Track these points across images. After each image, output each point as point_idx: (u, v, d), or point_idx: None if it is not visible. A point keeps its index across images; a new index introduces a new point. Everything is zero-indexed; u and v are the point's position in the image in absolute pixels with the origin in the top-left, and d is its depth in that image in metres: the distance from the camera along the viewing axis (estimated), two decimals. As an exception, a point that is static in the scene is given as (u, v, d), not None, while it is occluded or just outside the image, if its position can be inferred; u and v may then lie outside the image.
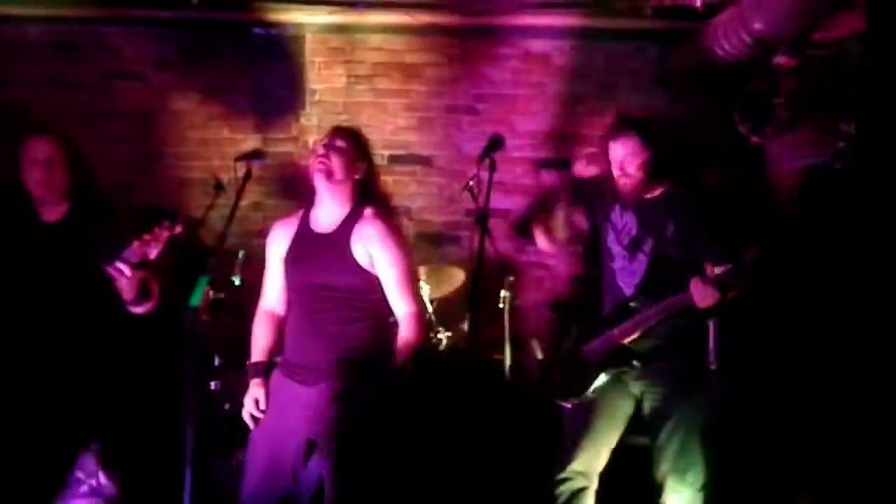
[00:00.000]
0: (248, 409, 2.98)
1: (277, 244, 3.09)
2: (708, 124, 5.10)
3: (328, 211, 3.02)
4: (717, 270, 2.98)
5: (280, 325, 3.11)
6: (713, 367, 4.25)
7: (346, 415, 2.79)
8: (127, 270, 2.88)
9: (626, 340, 3.19)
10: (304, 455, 2.92)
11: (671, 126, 5.06)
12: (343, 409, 2.80)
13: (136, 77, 4.97)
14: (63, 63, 4.92)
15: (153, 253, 2.87)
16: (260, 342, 3.10)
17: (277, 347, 3.10)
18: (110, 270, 2.89)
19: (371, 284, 2.96)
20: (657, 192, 3.29)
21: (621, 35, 5.02)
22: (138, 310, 3.08)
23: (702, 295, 3.01)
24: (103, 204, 3.21)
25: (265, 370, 3.04)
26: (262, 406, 2.96)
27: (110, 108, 4.93)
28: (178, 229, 2.88)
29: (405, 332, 2.96)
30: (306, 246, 3.01)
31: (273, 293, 3.12)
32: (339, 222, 2.99)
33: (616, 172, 3.24)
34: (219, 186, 3.40)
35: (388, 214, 3.07)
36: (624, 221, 3.32)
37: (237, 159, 3.16)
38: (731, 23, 4.11)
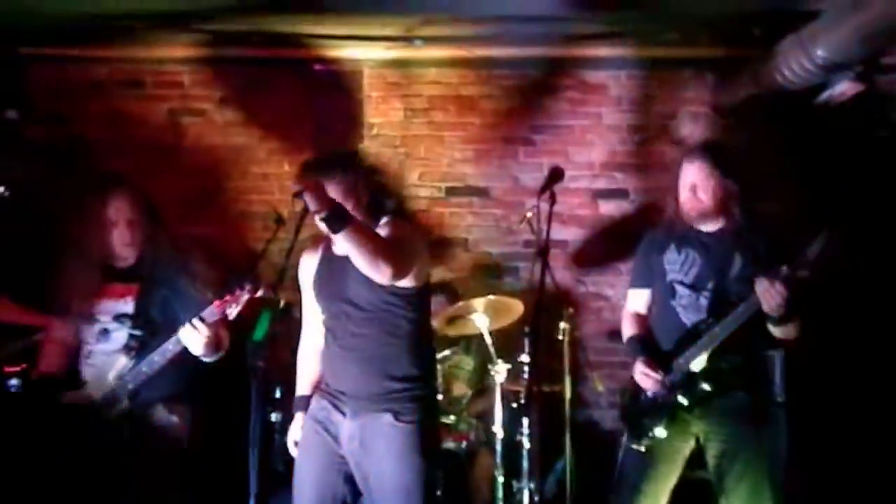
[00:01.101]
0: (293, 440, 3.09)
1: (306, 273, 3.13)
2: (767, 153, 5.04)
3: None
4: (783, 268, 2.90)
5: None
6: (780, 399, 4.19)
7: (393, 448, 2.84)
8: (204, 330, 2.95)
9: (694, 365, 3.10)
10: (350, 483, 2.94)
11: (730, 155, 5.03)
12: (389, 442, 2.84)
13: (199, 113, 5.09)
14: (130, 100, 5.07)
15: (233, 313, 2.93)
16: (306, 375, 3.16)
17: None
18: (186, 329, 2.96)
19: (401, 300, 2.94)
20: (721, 225, 3.21)
21: (678, 63, 4.99)
22: (208, 359, 3.13)
23: (768, 295, 2.90)
24: (172, 255, 3.29)
25: (308, 404, 3.09)
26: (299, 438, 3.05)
27: (174, 143, 5.05)
28: (260, 292, 2.93)
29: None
30: (330, 269, 3.04)
31: (313, 324, 3.15)
32: None
33: (685, 196, 3.19)
34: (279, 220, 3.44)
35: (402, 219, 3.10)
36: (684, 256, 3.25)
37: (296, 195, 3.20)
38: (793, 49, 4.06)
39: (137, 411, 3.13)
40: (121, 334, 3.16)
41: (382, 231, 2.94)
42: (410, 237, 2.98)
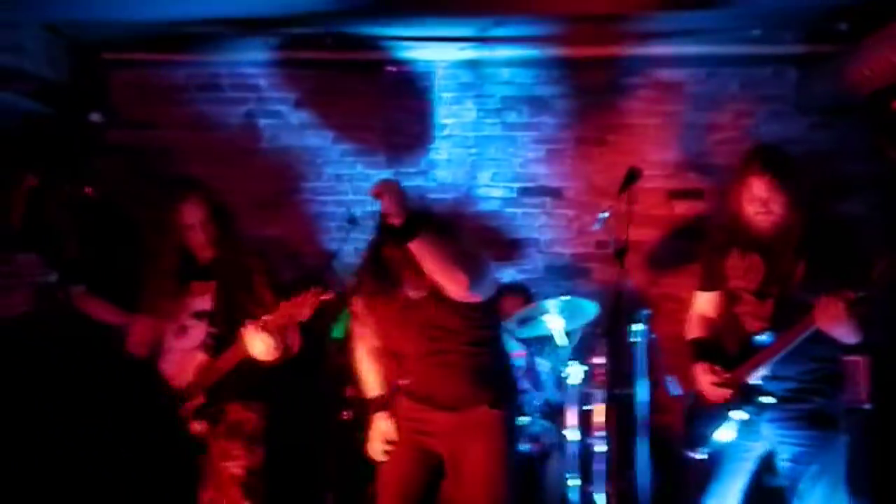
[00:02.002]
0: (376, 444, 3.04)
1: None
2: (851, 151, 4.89)
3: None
4: (843, 288, 2.78)
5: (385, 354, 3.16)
6: (867, 406, 4.05)
7: (487, 436, 2.89)
8: (266, 336, 3.01)
9: (752, 378, 3.03)
10: (433, 478, 2.98)
11: (811, 154, 4.89)
12: (484, 431, 2.90)
13: (275, 116, 5.16)
14: (207, 103, 5.17)
15: (306, 314, 2.96)
16: (374, 375, 3.14)
17: (393, 376, 3.12)
18: (248, 333, 3.02)
19: (478, 312, 2.93)
20: (788, 225, 3.05)
21: (758, 60, 4.88)
22: (275, 362, 3.17)
23: (826, 315, 2.79)
24: (247, 256, 3.35)
25: (385, 403, 3.09)
26: (393, 437, 3.02)
27: (250, 146, 5.14)
28: (328, 296, 2.97)
29: None
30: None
31: (368, 332, 3.13)
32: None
33: (756, 209, 3.04)
34: (352, 220, 3.49)
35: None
36: (748, 262, 3.14)
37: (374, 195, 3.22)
38: (880, 45, 3.93)
39: (214, 407, 3.16)
40: (198, 331, 3.23)
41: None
42: (479, 249, 2.99)
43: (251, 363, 3.14)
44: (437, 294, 2.81)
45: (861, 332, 2.83)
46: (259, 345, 3.03)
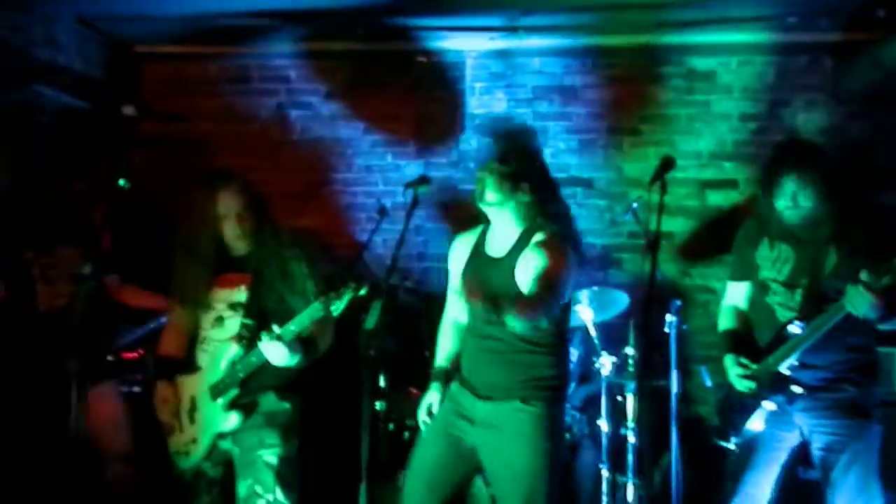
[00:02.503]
0: (421, 416, 3.10)
1: (456, 259, 3.12)
2: (888, 141, 4.81)
3: (500, 234, 3.01)
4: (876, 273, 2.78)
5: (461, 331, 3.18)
6: (899, 398, 4.00)
7: (522, 431, 2.87)
8: (280, 346, 3.00)
9: (784, 367, 3.02)
10: (464, 468, 3.00)
11: (848, 144, 4.82)
12: (518, 426, 2.88)
13: (306, 107, 5.18)
14: (238, 96, 5.20)
15: (338, 310, 2.94)
16: (444, 348, 3.19)
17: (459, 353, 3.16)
18: (264, 343, 3.02)
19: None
20: (819, 216, 3.04)
21: (793, 48, 4.82)
22: (300, 363, 3.17)
23: (857, 301, 2.79)
24: (283, 245, 3.32)
25: (445, 376, 3.12)
26: (435, 411, 3.07)
27: (281, 137, 5.16)
28: (363, 291, 2.93)
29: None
30: (478, 268, 3.01)
31: (455, 303, 3.17)
32: (508, 248, 2.97)
33: (786, 203, 3.02)
34: (383, 211, 3.49)
35: (559, 240, 2.92)
36: (777, 253, 3.13)
37: (407, 186, 3.23)
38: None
39: (248, 398, 3.19)
40: (234, 322, 3.23)
41: (532, 260, 2.86)
42: (557, 279, 2.84)
43: None
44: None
45: (892, 316, 2.84)
46: (274, 354, 3.03)
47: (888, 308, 2.82)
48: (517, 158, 2.97)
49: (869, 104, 4.77)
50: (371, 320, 2.66)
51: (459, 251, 3.12)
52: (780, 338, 3.06)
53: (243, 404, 3.17)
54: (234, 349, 3.18)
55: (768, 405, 3.05)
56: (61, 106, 4.66)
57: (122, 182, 3.65)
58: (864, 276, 2.81)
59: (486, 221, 3.05)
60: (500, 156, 2.96)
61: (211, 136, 5.10)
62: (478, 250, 3.06)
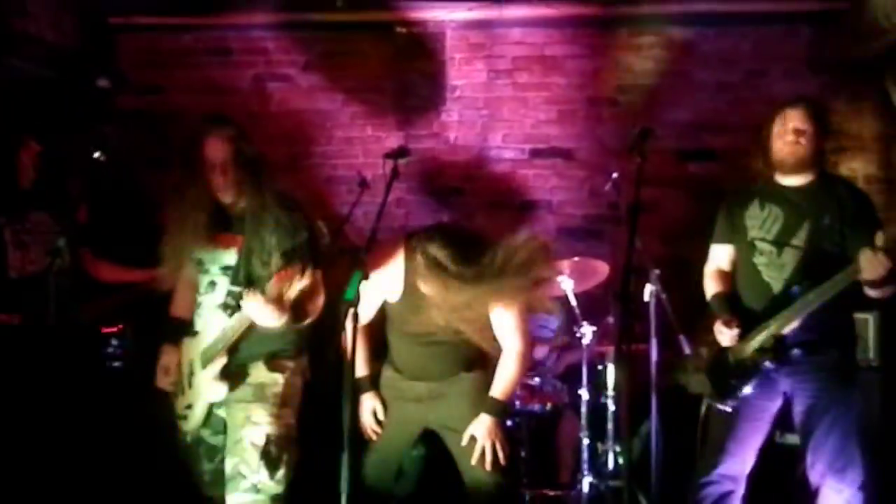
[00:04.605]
0: (368, 423, 3.22)
1: (383, 278, 3.15)
2: (864, 111, 4.85)
3: None
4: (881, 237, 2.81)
5: (374, 334, 3.29)
6: (875, 363, 4.07)
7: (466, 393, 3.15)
8: (261, 302, 2.91)
9: (787, 330, 3.04)
10: (413, 443, 3.25)
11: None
12: (463, 389, 3.15)
13: (284, 79, 5.15)
14: (216, 67, 5.15)
15: (291, 291, 2.89)
16: (361, 356, 3.25)
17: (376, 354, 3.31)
18: (246, 299, 2.96)
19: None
20: (807, 181, 3.15)
21: (770, 18, 4.83)
22: (296, 327, 3.11)
23: (871, 265, 2.80)
24: (278, 207, 3.14)
25: (373, 382, 3.26)
26: (381, 416, 3.22)
27: (260, 109, 5.13)
28: (307, 280, 2.89)
29: (508, 367, 3.15)
30: (416, 301, 3.10)
31: (368, 310, 3.23)
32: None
33: (789, 138, 3.11)
34: (364, 183, 3.46)
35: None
36: (766, 212, 3.19)
37: (386, 156, 3.20)
38: (889, 1, 3.88)
39: (237, 367, 3.11)
40: (224, 288, 3.11)
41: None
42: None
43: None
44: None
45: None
46: (256, 312, 2.93)
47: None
48: None
49: (844, 74, 4.79)
50: (351, 291, 2.66)
51: (386, 278, 3.16)
52: (773, 298, 3.09)
53: (231, 374, 3.08)
54: (220, 317, 3.08)
55: (767, 366, 3.07)
56: (34, 77, 4.59)
57: (97, 155, 3.61)
58: (879, 240, 2.81)
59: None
60: None
61: (188, 107, 5.04)
62: (412, 285, 3.12)
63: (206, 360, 3.11)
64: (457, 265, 2.98)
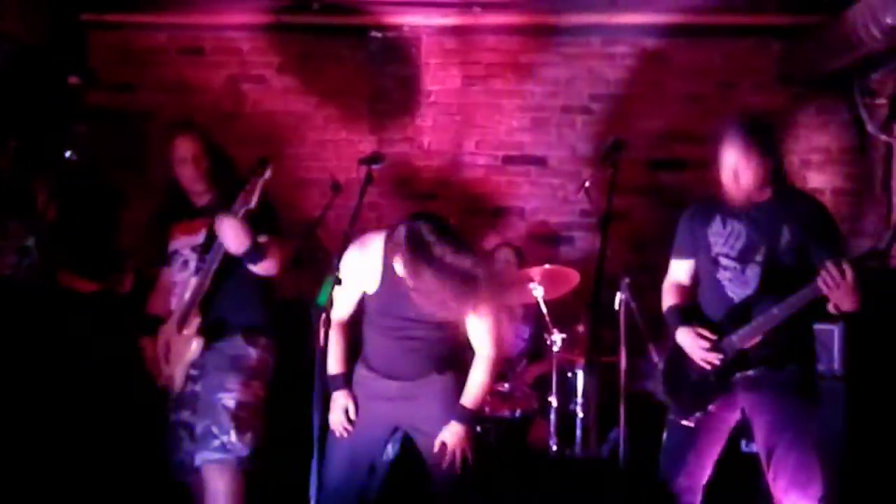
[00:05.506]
0: (338, 421, 3.18)
1: (358, 274, 3.15)
2: (832, 123, 4.94)
3: None
4: (850, 257, 2.81)
5: (348, 330, 3.28)
6: (839, 373, 4.12)
7: (439, 395, 3.12)
8: (232, 222, 3.07)
9: (749, 345, 3.04)
10: (384, 443, 3.20)
11: (793, 126, 4.93)
12: (435, 391, 3.12)
13: (258, 80, 5.13)
14: (189, 67, 5.12)
15: (253, 200, 3.08)
16: (336, 353, 3.24)
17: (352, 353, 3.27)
18: (217, 223, 3.09)
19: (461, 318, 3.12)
20: (768, 196, 3.08)
21: (741, 31, 4.90)
22: (256, 269, 3.22)
23: (833, 283, 2.78)
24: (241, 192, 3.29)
25: (346, 380, 3.23)
26: (353, 416, 3.18)
27: (233, 110, 5.10)
28: (268, 174, 3.15)
29: (479, 374, 3.14)
30: (395, 290, 3.08)
31: (343, 308, 3.22)
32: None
33: (728, 178, 3.05)
34: (337, 187, 3.47)
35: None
36: (729, 229, 3.15)
37: (360, 162, 3.22)
38: (861, 17, 3.95)
39: (213, 331, 3.25)
40: (195, 263, 3.33)
41: None
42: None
43: (251, 292, 3.28)
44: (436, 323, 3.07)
45: (861, 300, 2.85)
46: (226, 231, 3.09)
47: (860, 293, 2.83)
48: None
49: (813, 87, 4.87)
50: (323, 296, 2.66)
51: (365, 261, 3.16)
52: (737, 313, 3.08)
53: (206, 330, 3.23)
54: (192, 283, 3.26)
55: (722, 388, 3.06)
56: (3, 75, 4.53)
57: (69, 154, 3.60)
58: (845, 261, 2.80)
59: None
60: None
61: (160, 107, 5.01)
62: (390, 276, 3.10)
63: (182, 325, 3.26)
64: (441, 247, 2.98)
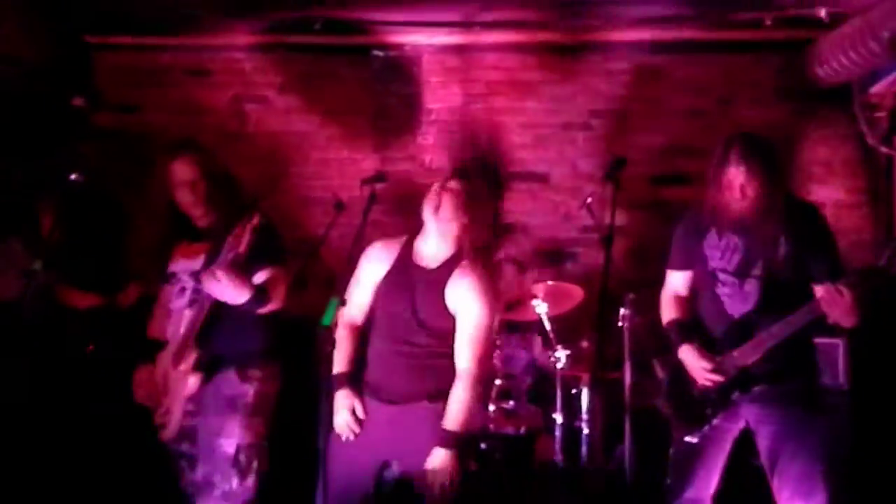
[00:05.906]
0: (343, 419, 3.03)
1: (375, 265, 3.14)
2: (831, 137, 4.95)
3: (433, 247, 3.07)
4: (849, 274, 2.84)
5: (359, 335, 3.19)
6: (845, 386, 4.12)
7: (427, 426, 2.93)
8: (220, 273, 2.97)
9: (750, 362, 3.05)
10: (379, 473, 3.03)
11: (792, 139, 4.95)
12: (423, 421, 2.94)
13: (261, 100, 5.16)
14: (194, 88, 5.16)
15: (242, 246, 2.96)
16: (343, 353, 3.14)
17: (359, 357, 3.17)
18: (205, 278, 3.01)
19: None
20: (764, 209, 3.04)
21: (740, 46, 4.93)
22: (261, 310, 3.15)
23: (833, 303, 2.83)
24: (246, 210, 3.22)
25: (350, 379, 3.10)
26: (360, 414, 3.05)
27: (237, 130, 5.13)
28: (255, 220, 2.97)
29: (459, 390, 2.95)
30: (406, 276, 3.05)
31: (357, 308, 3.17)
32: (441, 261, 3.04)
33: (732, 195, 3.04)
34: (340, 206, 3.48)
35: (488, 266, 3.10)
36: (725, 243, 3.15)
37: (364, 182, 3.24)
38: (858, 32, 3.98)
39: (208, 364, 3.15)
40: (190, 293, 3.22)
41: (468, 290, 2.98)
42: (491, 318, 3.03)
43: (248, 326, 3.17)
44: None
45: (862, 318, 2.87)
46: (216, 287, 3.00)
47: (862, 310, 2.86)
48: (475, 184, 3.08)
49: (812, 101, 4.89)
50: (328, 317, 2.67)
51: (379, 258, 3.15)
52: (737, 329, 3.07)
53: (203, 365, 3.13)
54: (188, 315, 3.15)
55: (725, 405, 3.06)
56: (9, 96, 4.57)
57: (73, 176, 3.61)
58: (844, 280, 2.83)
59: (413, 231, 3.14)
60: (461, 173, 3.06)
61: (165, 127, 5.02)
62: (404, 259, 3.09)
63: (178, 360, 3.16)
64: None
